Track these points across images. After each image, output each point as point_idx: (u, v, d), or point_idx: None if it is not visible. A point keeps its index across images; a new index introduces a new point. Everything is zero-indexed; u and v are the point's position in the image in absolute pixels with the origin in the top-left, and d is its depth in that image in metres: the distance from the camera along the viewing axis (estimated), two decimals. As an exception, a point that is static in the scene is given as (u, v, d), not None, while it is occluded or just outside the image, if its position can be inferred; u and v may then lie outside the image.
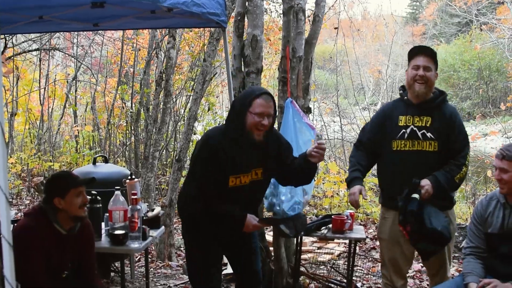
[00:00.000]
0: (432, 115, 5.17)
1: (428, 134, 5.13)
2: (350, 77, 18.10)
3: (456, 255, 8.27)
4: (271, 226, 4.61)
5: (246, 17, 6.70)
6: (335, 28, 14.07)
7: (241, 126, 4.51)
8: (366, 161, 5.47)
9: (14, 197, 13.08)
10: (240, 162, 4.58)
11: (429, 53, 5.21)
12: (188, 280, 7.18)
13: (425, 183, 5.00)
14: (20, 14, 5.41)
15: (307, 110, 6.76)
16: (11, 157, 14.60)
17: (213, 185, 4.54)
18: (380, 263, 5.94)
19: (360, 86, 26.34)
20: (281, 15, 6.88)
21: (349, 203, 10.13)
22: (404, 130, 5.19)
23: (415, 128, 5.17)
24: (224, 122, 4.78)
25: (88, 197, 4.80)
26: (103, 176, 6.53)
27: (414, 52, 5.28)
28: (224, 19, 5.89)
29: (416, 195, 4.96)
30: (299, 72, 6.62)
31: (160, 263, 8.34)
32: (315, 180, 12.51)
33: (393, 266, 5.40)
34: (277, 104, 6.46)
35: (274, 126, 4.76)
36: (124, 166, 13.87)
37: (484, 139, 23.68)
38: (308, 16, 7.80)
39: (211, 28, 8.65)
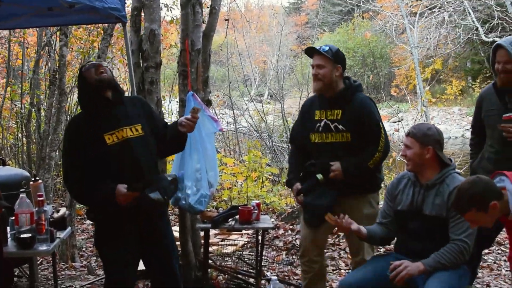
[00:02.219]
0: (343, 108, 5.39)
1: (340, 126, 5.36)
2: (237, 69, 18.22)
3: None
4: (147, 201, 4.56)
5: (142, 11, 6.65)
6: (226, 20, 14.13)
7: (88, 88, 4.67)
8: (300, 158, 5.69)
9: None
10: (108, 120, 4.68)
11: (319, 52, 5.39)
12: (94, 280, 7.15)
13: (336, 167, 5.32)
14: None
15: (208, 103, 6.76)
16: None
17: (80, 164, 4.59)
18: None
19: (247, 78, 26.51)
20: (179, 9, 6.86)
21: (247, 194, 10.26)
22: (319, 124, 5.45)
23: (328, 122, 5.42)
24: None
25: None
26: (3, 179, 6.36)
27: (309, 54, 5.53)
28: (124, 13, 5.87)
29: (319, 176, 5.28)
30: (198, 65, 6.62)
31: (63, 264, 8.18)
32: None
33: (312, 244, 5.61)
34: (178, 98, 6.51)
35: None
36: (18, 168, 13.55)
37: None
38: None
39: (105, 24, 8.56)
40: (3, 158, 7.59)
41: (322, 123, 5.43)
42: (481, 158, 5.38)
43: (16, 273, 7.02)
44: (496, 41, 5.13)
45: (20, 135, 13.89)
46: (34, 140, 12.84)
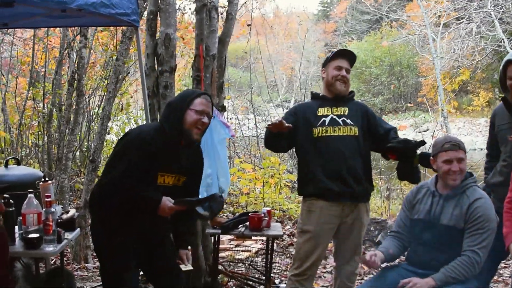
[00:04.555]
0: (348, 106, 5.58)
1: (348, 121, 5.49)
2: (263, 75, 18.18)
3: (372, 249, 8.39)
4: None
5: (158, 15, 6.66)
6: (248, 25, 14.13)
7: (179, 124, 4.54)
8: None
9: None
10: (167, 161, 4.60)
11: (351, 57, 5.64)
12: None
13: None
14: None
15: (222, 109, 6.77)
16: None
17: (136, 178, 4.50)
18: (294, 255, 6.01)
19: (273, 84, 26.47)
20: (194, 14, 6.86)
21: (264, 200, 10.21)
22: (324, 118, 5.51)
23: (334, 116, 5.51)
24: (144, 122, 4.80)
25: (1, 200, 4.70)
26: (16, 179, 6.39)
27: (339, 54, 5.63)
28: (135, 18, 5.86)
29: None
30: (213, 71, 6.63)
31: (76, 265, 8.21)
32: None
33: (311, 259, 5.51)
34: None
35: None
36: (37, 168, 13.61)
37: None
38: (221, 14, 7.79)
39: (123, 27, 8.59)
40: (18, 157, 7.62)
41: (328, 118, 5.51)
42: (494, 172, 5.32)
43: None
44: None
45: (41, 134, 13.95)
46: (55, 140, 12.87)
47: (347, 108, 5.56)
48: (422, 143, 5.37)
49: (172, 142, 4.58)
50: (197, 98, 4.59)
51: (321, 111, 5.54)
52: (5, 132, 14.63)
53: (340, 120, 5.48)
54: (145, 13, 7.37)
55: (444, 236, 4.64)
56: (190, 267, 4.89)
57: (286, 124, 5.22)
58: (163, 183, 4.65)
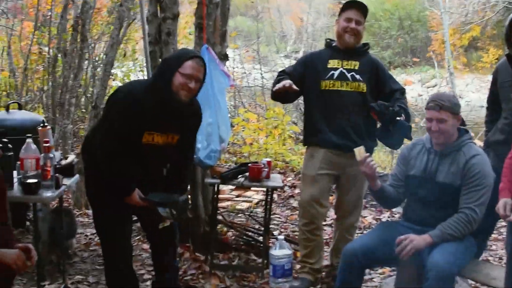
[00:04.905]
0: (359, 60, 5.53)
1: (357, 76, 5.49)
2: (272, 25, 18.05)
3: (373, 203, 8.38)
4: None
5: (162, -40, 6.55)
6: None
7: (168, 85, 4.45)
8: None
9: None
10: (157, 120, 4.54)
11: (362, 8, 5.54)
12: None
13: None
14: None
15: (224, 57, 6.69)
16: None
17: (122, 137, 4.48)
18: (298, 203, 6.06)
19: (282, 34, 26.32)
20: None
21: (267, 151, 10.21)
22: (333, 72, 5.51)
23: (344, 70, 5.49)
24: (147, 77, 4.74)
25: (-1, 145, 4.68)
26: (16, 124, 6.36)
27: (348, 5, 5.56)
28: (139, -37, 5.77)
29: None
30: (216, 18, 6.53)
31: (77, 211, 8.23)
32: (233, 127, 12.54)
33: (315, 202, 5.59)
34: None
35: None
36: (42, 113, 13.60)
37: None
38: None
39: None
40: (19, 102, 7.59)
41: (338, 71, 5.50)
42: (495, 130, 5.26)
43: (28, 218, 7.07)
44: None
45: (46, 79, 13.90)
46: (59, 86, 12.83)
47: (358, 63, 5.53)
48: (398, 113, 5.30)
49: (163, 101, 4.50)
50: (188, 60, 4.45)
51: (331, 63, 5.54)
52: (10, 76, 14.61)
53: (349, 75, 5.48)
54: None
55: (440, 193, 4.61)
56: (167, 223, 4.85)
57: (294, 87, 5.27)
58: (151, 141, 4.59)
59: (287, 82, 5.32)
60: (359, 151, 4.70)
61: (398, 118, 5.26)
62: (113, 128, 4.51)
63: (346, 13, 5.55)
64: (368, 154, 4.71)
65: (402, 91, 5.62)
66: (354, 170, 5.41)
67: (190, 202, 6.50)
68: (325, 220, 7.45)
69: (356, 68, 5.51)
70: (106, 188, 4.65)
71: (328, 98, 5.50)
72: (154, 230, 4.97)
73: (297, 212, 8.14)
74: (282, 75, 5.70)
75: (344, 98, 5.47)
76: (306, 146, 5.91)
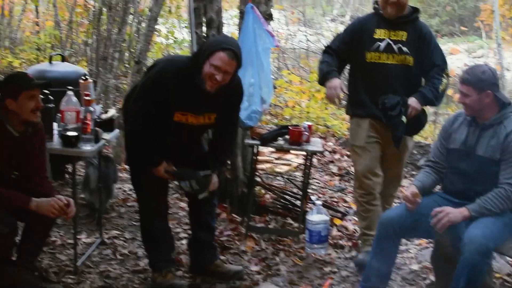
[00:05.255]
0: (407, 30, 5.31)
1: (404, 49, 5.29)
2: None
3: (413, 173, 8.29)
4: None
5: None
6: None
7: (198, 71, 4.42)
8: (337, 66, 5.52)
9: (-30, 92, 12.78)
10: (189, 102, 4.54)
11: None
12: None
13: (412, 101, 5.25)
14: None
15: (269, 17, 6.58)
16: (-31, 51, 14.27)
17: (150, 113, 4.54)
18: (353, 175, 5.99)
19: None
20: None
21: (308, 115, 10.13)
22: (380, 43, 5.34)
23: (390, 42, 5.32)
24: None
25: (41, 96, 4.67)
26: (58, 76, 6.37)
27: None
28: None
29: (403, 118, 5.24)
30: (261, -23, 6.44)
31: (117, 166, 8.23)
32: (275, 88, 12.46)
33: (369, 171, 5.49)
34: (238, 10, 6.36)
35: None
36: (85, 66, 13.62)
37: (450, 58, 23.78)
38: None
39: None
40: (63, 54, 7.57)
41: (384, 43, 5.33)
42: None
43: (68, 171, 7.10)
44: None
45: (90, 33, 13.90)
46: (103, 39, 12.82)
47: (405, 33, 5.34)
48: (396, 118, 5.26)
49: (193, 85, 4.48)
50: (220, 51, 4.36)
51: (378, 33, 5.36)
52: (54, 28, 14.63)
53: (396, 47, 5.32)
54: None
55: (480, 166, 4.52)
56: (205, 194, 4.85)
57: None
58: (184, 121, 4.61)
59: (337, 94, 5.34)
60: (413, 193, 4.60)
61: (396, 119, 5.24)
62: (142, 103, 4.57)
63: None
64: (419, 199, 4.59)
65: (441, 69, 5.41)
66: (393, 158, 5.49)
67: (229, 162, 6.46)
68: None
69: (404, 39, 5.33)
70: None
71: (373, 71, 5.38)
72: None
73: (336, 178, 8.14)
74: (329, 52, 5.60)
75: (389, 72, 5.35)
76: (349, 116, 5.80)
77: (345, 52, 5.50)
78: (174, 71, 4.54)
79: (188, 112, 4.58)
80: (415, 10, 5.47)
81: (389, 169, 5.65)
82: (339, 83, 5.33)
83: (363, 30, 5.45)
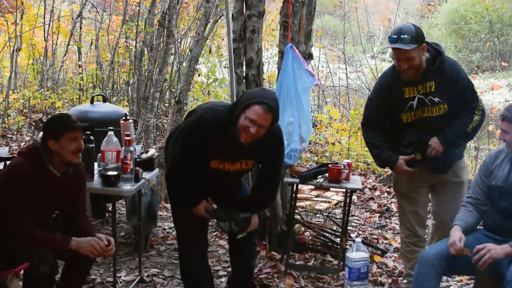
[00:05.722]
0: (434, 79, 5.07)
1: (435, 99, 5.08)
2: (359, 24, 17.87)
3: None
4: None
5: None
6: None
7: (234, 122, 4.45)
8: (383, 137, 5.36)
9: (15, 133, 13.04)
10: (225, 151, 4.58)
11: (406, 42, 4.89)
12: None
13: (433, 141, 5.10)
14: None
15: (308, 57, 6.63)
16: (14, 92, 14.53)
17: (187, 159, 4.62)
18: (398, 216, 5.88)
19: (369, 34, 26.06)
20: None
21: (349, 152, 10.13)
22: (412, 102, 5.13)
23: (421, 96, 5.09)
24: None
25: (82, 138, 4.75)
26: (99, 116, 6.49)
27: (390, 41, 5.03)
28: (224, -41, 5.78)
29: (418, 155, 5.14)
30: (301, 17, 6.47)
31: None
32: (317, 127, 12.46)
33: (414, 216, 5.41)
34: (278, 50, 6.40)
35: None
36: (126, 106, 13.80)
37: (492, 93, 23.61)
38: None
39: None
40: (104, 94, 7.70)
41: (416, 100, 5.11)
42: None
43: (108, 209, 7.17)
44: None
45: (132, 73, 14.11)
46: (144, 79, 13.01)
47: (433, 82, 5.06)
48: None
49: (228, 135, 4.50)
50: (256, 105, 4.35)
51: (408, 91, 5.11)
52: (96, 69, 14.87)
53: (427, 100, 5.09)
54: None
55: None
56: (244, 234, 4.87)
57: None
58: (222, 168, 4.67)
59: (405, 171, 5.22)
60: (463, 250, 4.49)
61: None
62: (181, 147, 4.65)
63: (394, 52, 5.03)
64: (466, 253, 4.41)
65: (474, 105, 5.17)
66: (448, 176, 5.30)
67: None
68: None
69: (433, 89, 5.07)
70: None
71: (411, 127, 5.21)
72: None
73: (376, 214, 8.09)
74: (368, 126, 5.43)
75: (427, 124, 5.15)
76: None
77: (382, 118, 5.34)
78: (211, 121, 4.58)
79: (224, 161, 4.64)
80: (437, 53, 5.12)
81: (446, 207, 5.39)
82: (403, 164, 5.19)
83: (392, 91, 5.22)
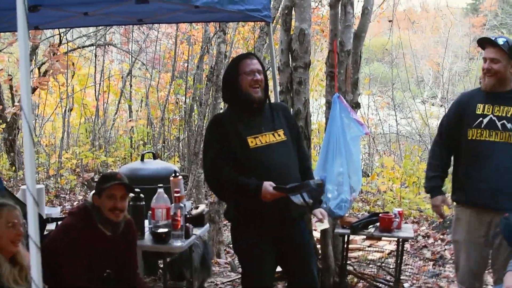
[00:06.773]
0: None
1: (509, 125, 4.85)
2: (407, 70, 17.84)
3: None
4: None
5: (293, 10, 6.60)
6: (390, 21, 13.86)
7: (238, 92, 4.55)
8: (446, 159, 5.28)
9: (68, 192, 13.18)
10: (251, 124, 4.58)
11: (496, 44, 4.86)
12: (236, 278, 7.17)
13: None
14: (67, 9, 5.35)
15: (356, 106, 6.62)
16: (66, 152, 14.74)
17: (222, 158, 4.49)
18: (454, 266, 5.70)
19: (419, 79, 25.97)
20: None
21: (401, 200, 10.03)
22: (482, 119, 4.94)
23: (494, 118, 4.91)
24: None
25: (132, 194, 4.77)
26: (150, 173, 6.52)
27: (481, 44, 5.06)
28: (267, 13, 5.82)
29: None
30: (347, 67, 6.49)
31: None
32: (369, 176, 12.37)
33: (470, 268, 5.11)
34: (325, 100, 6.41)
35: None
36: (177, 162, 13.88)
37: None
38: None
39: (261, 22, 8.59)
40: (154, 151, 7.76)
41: (487, 119, 4.91)
42: None
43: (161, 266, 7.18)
44: None
45: (182, 129, 14.23)
46: (194, 135, 13.09)
47: (511, 109, 4.89)
48: None
49: (245, 109, 4.58)
50: (241, 61, 4.60)
51: (481, 108, 4.95)
52: (147, 126, 15.02)
53: (499, 124, 4.86)
54: (280, 8, 7.29)
55: None
56: (327, 225, 4.70)
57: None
58: (261, 143, 4.55)
59: (440, 211, 5.25)
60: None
61: None
62: (210, 153, 4.58)
63: (484, 52, 5.00)
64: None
65: None
66: None
67: (319, 252, 6.43)
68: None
69: (509, 115, 4.85)
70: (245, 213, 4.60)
71: (475, 148, 4.97)
72: (296, 276, 4.82)
73: (430, 263, 7.97)
74: (437, 141, 5.37)
75: (491, 151, 4.89)
76: (454, 203, 5.37)
77: (451, 135, 5.18)
78: (222, 112, 4.84)
79: (257, 134, 4.57)
80: None
81: (504, 261, 4.81)
82: (440, 201, 5.13)
83: (467, 105, 5.09)
